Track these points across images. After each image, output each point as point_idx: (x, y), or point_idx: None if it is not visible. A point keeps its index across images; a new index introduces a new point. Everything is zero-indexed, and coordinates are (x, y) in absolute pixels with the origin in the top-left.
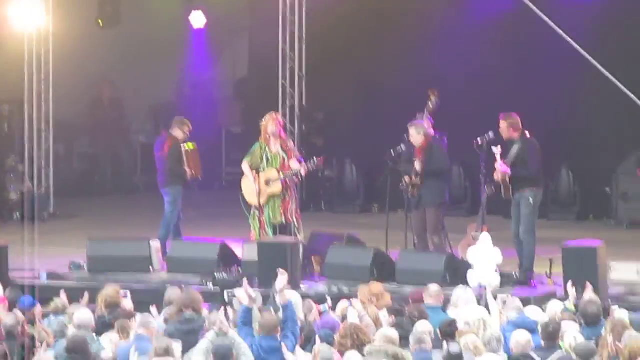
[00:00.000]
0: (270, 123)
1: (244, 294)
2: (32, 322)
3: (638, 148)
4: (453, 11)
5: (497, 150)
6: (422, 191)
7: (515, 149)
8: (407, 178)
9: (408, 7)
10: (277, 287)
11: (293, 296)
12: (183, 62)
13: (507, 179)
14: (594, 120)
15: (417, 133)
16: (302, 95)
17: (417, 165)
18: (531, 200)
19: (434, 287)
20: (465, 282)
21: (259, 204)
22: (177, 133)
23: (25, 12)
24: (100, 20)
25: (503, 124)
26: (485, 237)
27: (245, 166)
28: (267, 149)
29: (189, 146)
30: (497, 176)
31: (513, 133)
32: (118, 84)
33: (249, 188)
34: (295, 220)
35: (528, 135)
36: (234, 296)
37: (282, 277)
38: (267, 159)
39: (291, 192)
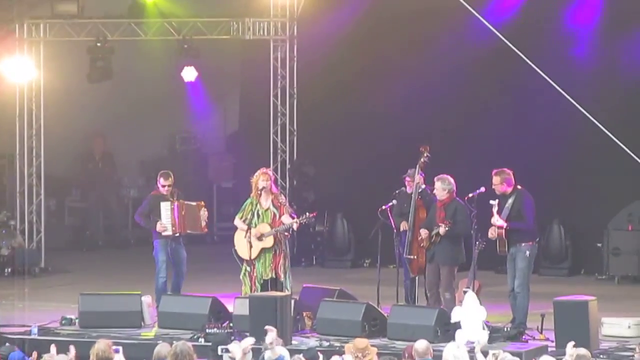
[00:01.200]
0: (261, 179)
1: (238, 350)
2: None
3: (629, 203)
4: (443, 66)
5: (494, 202)
6: (437, 248)
7: (509, 202)
8: (423, 232)
9: (398, 63)
10: (267, 343)
11: (282, 352)
12: (174, 117)
13: (504, 234)
14: (585, 175)
15: (443, 188)
16: (293, 150)
17: (442, 230)
18: (527, 253)
19: (421, 344)
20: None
21: (250, 258)
22: (158, 186)
23: (16, 66)
24: (91, 75)
25: (496, 179)
26: (469, 297)
27: (237, 221)
28: (258, 204)
29: (178, 202)
30: (492, 233)
31: (506, 188)
32: (109, 139)
33: (242, 242)
34: (284, 275)
35: (520, 188)
36: (227, 351)
37: (271, 333)
38: (258, 215)
39: (281, 247)
